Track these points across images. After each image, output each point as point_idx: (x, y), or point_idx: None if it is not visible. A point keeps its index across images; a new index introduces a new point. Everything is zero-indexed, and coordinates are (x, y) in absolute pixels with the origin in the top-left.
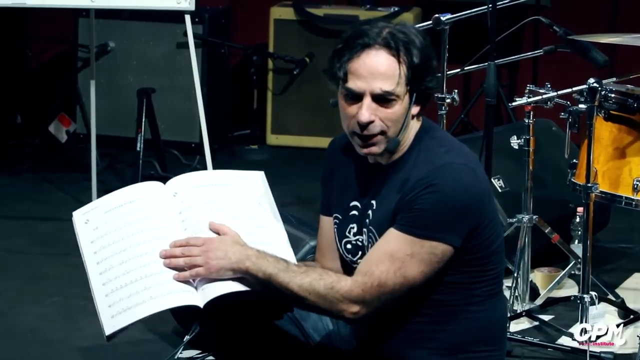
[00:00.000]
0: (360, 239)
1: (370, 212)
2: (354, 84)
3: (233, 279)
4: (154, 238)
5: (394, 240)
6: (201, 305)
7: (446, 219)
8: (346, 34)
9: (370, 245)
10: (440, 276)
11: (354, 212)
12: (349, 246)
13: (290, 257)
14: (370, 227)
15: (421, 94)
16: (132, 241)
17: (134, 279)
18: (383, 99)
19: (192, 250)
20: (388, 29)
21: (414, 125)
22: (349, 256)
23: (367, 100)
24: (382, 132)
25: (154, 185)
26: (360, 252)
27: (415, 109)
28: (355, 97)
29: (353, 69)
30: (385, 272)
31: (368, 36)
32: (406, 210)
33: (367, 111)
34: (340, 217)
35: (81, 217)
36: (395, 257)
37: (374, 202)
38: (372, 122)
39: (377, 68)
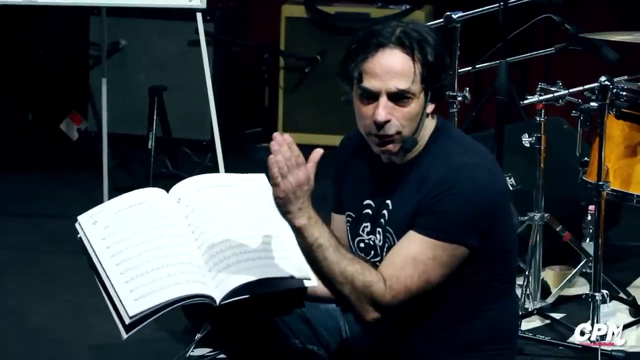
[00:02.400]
0: (373, 239)
1: (385, 212)
2: (369, 83)
3: (250, 271)
4: (170, 234)
5: (415, 243)
6: (217, 300)
7: (465, 221)
8: (358, 35)
9: (386, 245)
10: (455, 276)
11: (368, 210)
12: (362, 245)
13: (297, 253)
14: (387, 227)
15: (436, 91)
16: (148, 235)
17: (155, 267)
18: (399, 98)
19: (286, 170)
20: (401, 27)
21: (429, 124)
22: (362, 255)
23: (383, 99)
24: (398, 132)
25: (158, 191)
26: (373, 252)
27: (430, 107)
28: (371, 97)
29: (368, 68)
30: (410, 277)
31: (382, 35)
32: (426, 213)
33: (383, 110)
34: (354, 216)
35: (88, 219)
36: (418, 260)
37: (389, 201)
38: (388, 121)
39: (393, 67)
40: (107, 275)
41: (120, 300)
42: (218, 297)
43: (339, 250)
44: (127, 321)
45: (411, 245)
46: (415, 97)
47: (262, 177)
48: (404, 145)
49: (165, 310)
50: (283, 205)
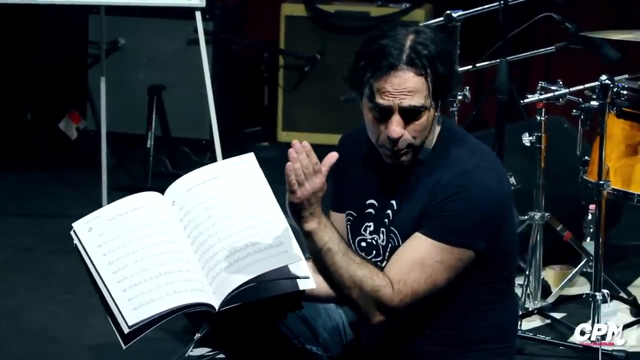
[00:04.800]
0: (376, 238)
1: (390, 212)
2: (382, 100)
3: (244, 271)
4: (166, 241)
5: (422, 246)
6: (216, 307)
7: (474, 225)
8: (367, 48)
9: (390, 246)
10: (459, 277)
11: (371, 210)
12: (363, 244)
13: (291, 242)
14: (392, 227)
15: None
16: (144, 243)
17: (153, 275)
18: (412, 114)
19: (303, 178)
20: (409, 42)
21: (435, 127)
22: (362, 254)
23: (397, 117)
24: (410, 145)
25: (154, 195)
26: (374, 251)
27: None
28: (384, 112)
29: (380, 87)
30: (417, 281)
31: (392, 55)
32: (434, 217)
33: (397, 127)
34: (355, 215)
35: (83, 226)
36: (425, 264)
37: (394, 202)
38: (401, 136)
39: (406, 87)
40: (104, 284)
41: (119, 310)
42: (216, 304)
43: (348, 255)
44: (126, 331)
45: (418, 248)
46: (427, 110)
47: (251, 156)
48: (420, 156)
49: (165, 320)
50: (297, 211)
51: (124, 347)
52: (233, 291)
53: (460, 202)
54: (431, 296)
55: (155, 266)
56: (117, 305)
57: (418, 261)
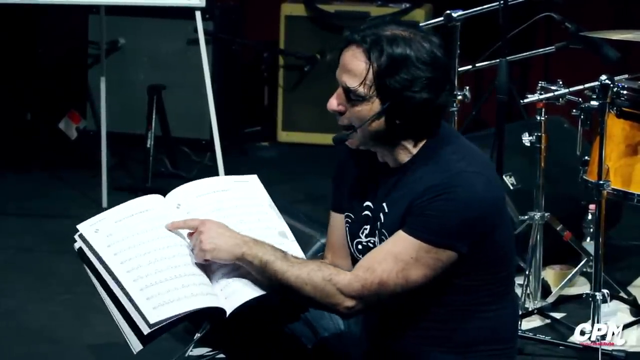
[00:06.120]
0: (372, 241)
1: (381, 215)
2: (336, 72)
3: (254, 283)
4: (177, 244)
5: (400, 241)
6: (228, 312)
7: (455, 227)
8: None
9: None
10: (451, 278)
11: (367, 212)
12: (360, 247)
13: (300, 254)
14: (383, 230)
15: (401, 108)
16: (155, 245)
17: (169, 277)
18: (348, 95)
19: (195, 242)
20: (387, 32)
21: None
22: (360, 256)
23: (339, 90)
24: (351, 127)
25: (157, 198)
26: None
27: (398, 121)
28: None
29: (340, 56)
30: (387, 272)
31: (358, 31)
32: (416, 215)
33: (334, 99)
34: (353, 217)
35: (89, 228)
36: (399, 258)
37: (384, 205)
38: (339, 112)
39: (347, 63)
40: (118, 283)
41: (138, 308)
42: (228, 310)
43: (287, 259)
44: (146, 331)
45: (396, 243)
46: (365, 101)
47: (255, 178)
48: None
49: (179, 324)
50: (217, 251)
51: (135, 351)
52: (246, 302)
53: (444, 203)
54: (407, 292)
55: (170, 268)
56: (135, 305)
57: (393, 254)
